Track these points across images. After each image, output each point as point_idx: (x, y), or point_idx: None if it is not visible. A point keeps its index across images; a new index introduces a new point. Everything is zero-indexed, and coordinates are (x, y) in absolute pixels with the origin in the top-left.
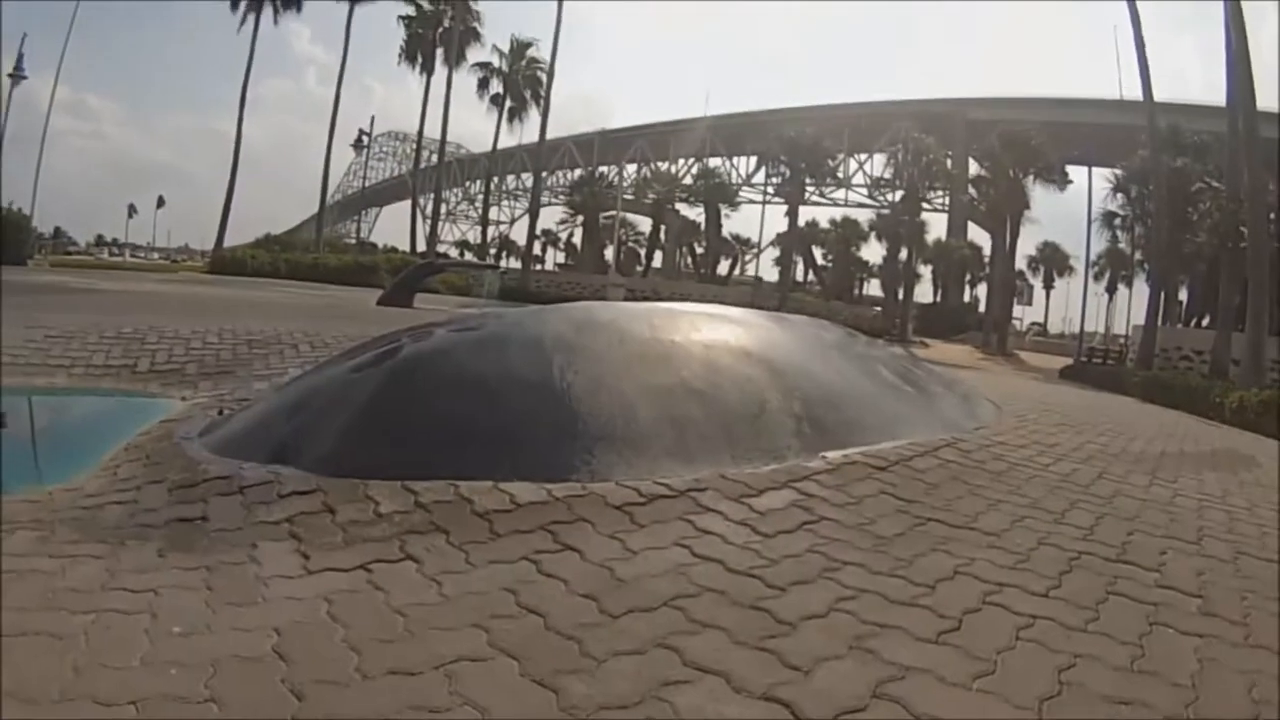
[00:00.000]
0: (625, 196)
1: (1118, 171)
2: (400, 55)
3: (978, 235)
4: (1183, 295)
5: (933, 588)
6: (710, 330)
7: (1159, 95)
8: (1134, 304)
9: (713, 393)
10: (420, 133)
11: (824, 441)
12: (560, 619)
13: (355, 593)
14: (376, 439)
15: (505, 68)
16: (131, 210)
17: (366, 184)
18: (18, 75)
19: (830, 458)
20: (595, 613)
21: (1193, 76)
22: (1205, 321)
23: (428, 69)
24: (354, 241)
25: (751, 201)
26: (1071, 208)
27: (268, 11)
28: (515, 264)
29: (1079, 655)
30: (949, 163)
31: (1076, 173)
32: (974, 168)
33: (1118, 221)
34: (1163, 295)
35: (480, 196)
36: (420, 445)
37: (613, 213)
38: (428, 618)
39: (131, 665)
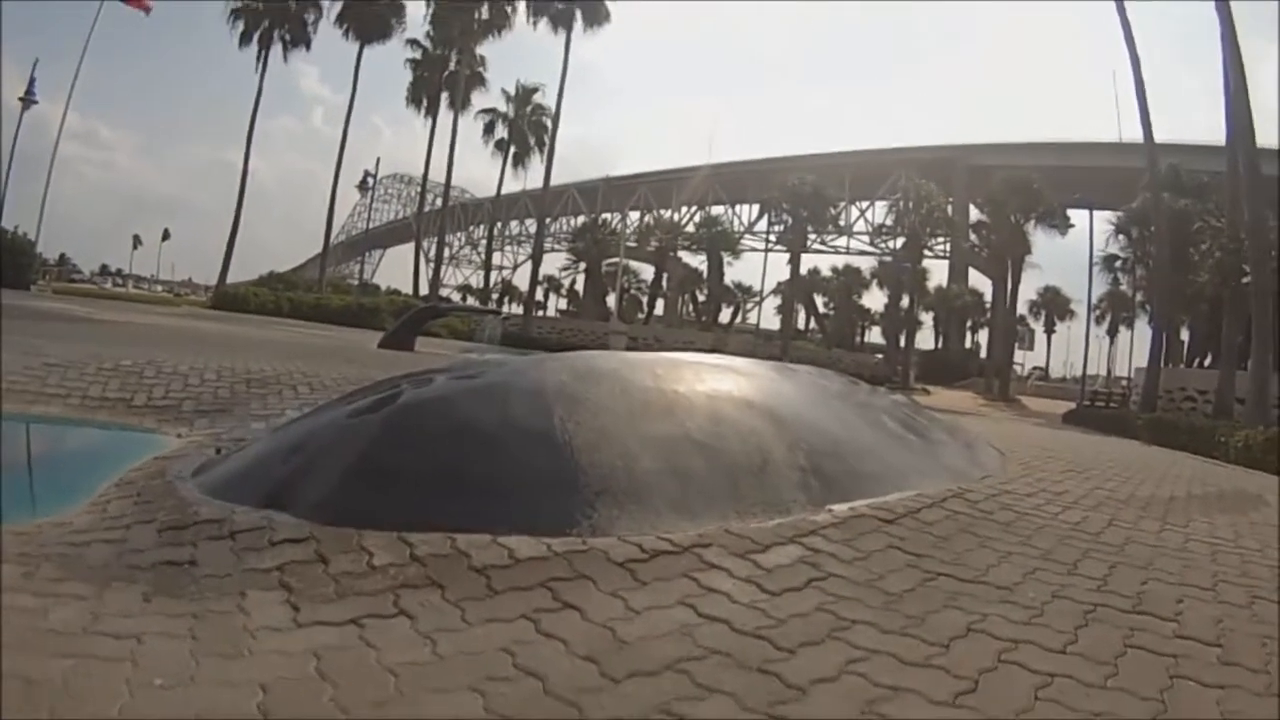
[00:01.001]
0: (628, 244)
1: (1119, 214)
2: (407, 98)
3: (978, 281)
4: (1184, 335)
5: (946, 647)
6: (713, 380)
7: (1161, 136)
8: (1135, 346)
9: (716, 444)
10: (425, 176)
11: (830, 494)
12: (559, 682)
13: (346, 649)
14: (372, 487)
15: (510, 113)
16: (136, 241)
17: (371, 225)
18: (28, 99)
19: (836, 511)
20: (596, 676)
21: (1196, 117)
22: (1207, 361)
23: (433, 112)
24: (357, 283)
25: (754, 249)
26: (1072, 251)
27: (277, 49)
28: (517, 309)
29: (1099, 714)
30: (950, 209)
31: (1077, 216)
32: (975, 214)
33: (1119, 264)
34: (1165, 336)
35: (483, 241)
36: (417, 495)
37: (615, 260)
38: (421, 678)
39: (109, 717)
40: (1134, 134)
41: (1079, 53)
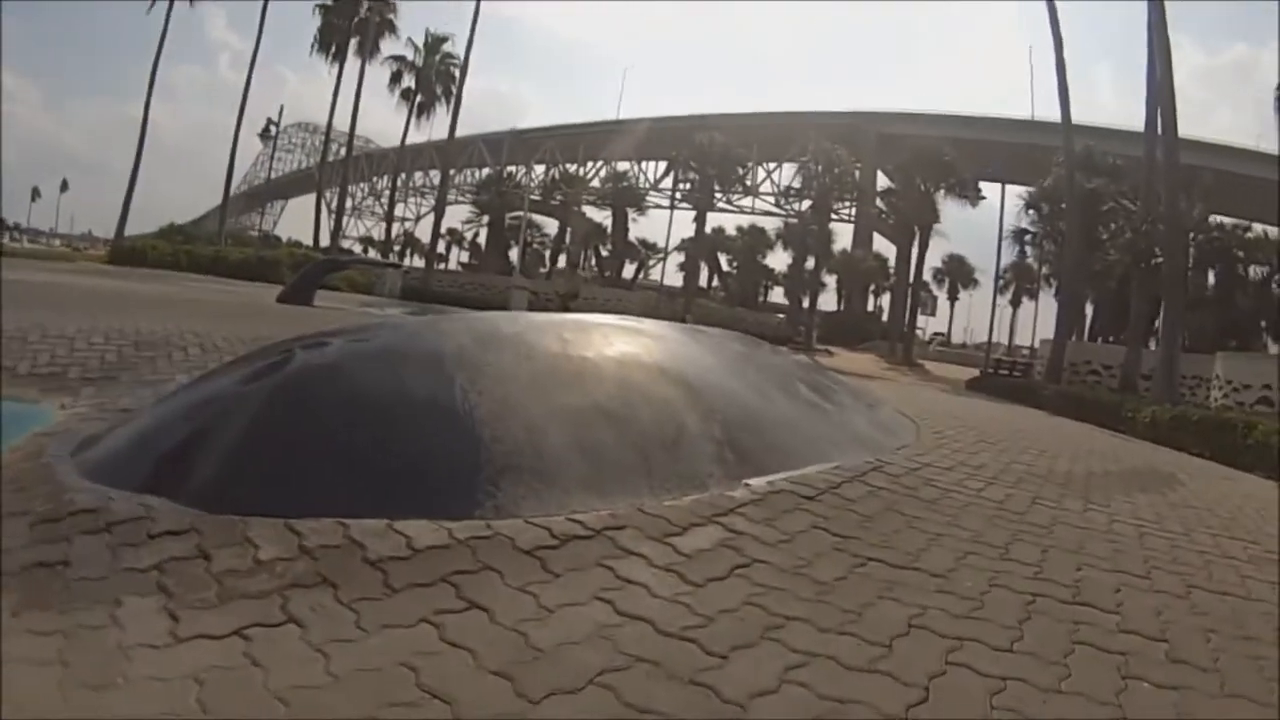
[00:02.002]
0: (532, 198)
1: (1031, 190)
2: (314, 44)
3: (882, 247)
4: (1088, 310)
5: (889, 646)
6: (623, 345)
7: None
8: (1038, 318)
9: (627, 415)
10: (329, 125)
11: (746, 468)
12: (471, 707)
13: (230, 669)
14: (257, 468)
15: (419, 62)
16: (35, 194)
17: (274, 175)
18: None
19: (755, 486)
20: (511, 696)
21: (1104, 100)
22: (1110, 338)
23: (340, 59)
24: (258, 234)
25: (659, 207)
26: (980, 223)
27: None
28: (419, 262)
29: None
30: (858, 174)
31: (989, 190)
32: (883, 180)
33: (1028, 238)
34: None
35: (387, 192)
36: (305, 476)
37: (519, 213)
38: (314, 704)
39: None
40: (1045, 113)
41: (996, 28)
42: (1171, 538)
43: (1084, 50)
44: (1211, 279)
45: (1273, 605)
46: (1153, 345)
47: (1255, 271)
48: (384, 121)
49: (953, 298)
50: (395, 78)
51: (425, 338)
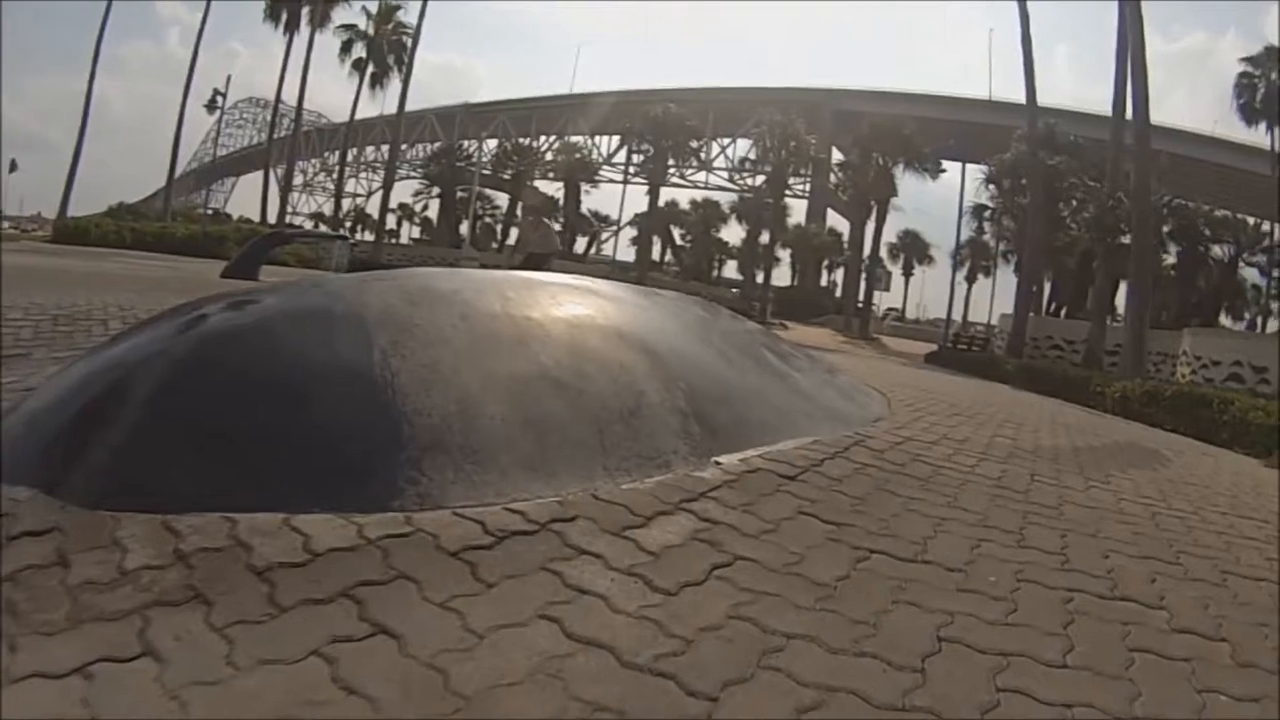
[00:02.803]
0: (483, 171)
1: (991, 165)
2: (265, 12)
3: (836, 222)
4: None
5: (922, 671)
6: (574, 305)
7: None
8: (995, 293)
9: (580, 384)
10: (277, 97)
11: (714, 443)
12: None
13: None
14: (142, 452)
15: (371, 31)
16: None
17: (224, 151)
18: None
19: (726, 464)
20: None
21: (1060, 80)
22: (1064, 313)
23: (291, 28)
24: (207, 212)
25: (612, 181)
26: (936, 200)
27: None
28: (371, 237)
29: None
30: (813, 149)
31: (948, 168)
32: (838, 156)
33: (987, 214)
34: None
35: (338, 168)
36: (195, 462)
37: (471, 187)
38: None
39: None
40: (1004, 93)
41: (955, 8)
42: (1183, 517)
43: (1042, 33)
44: (1174, 258)
45: None
46: (1109, 322)
47: (1221, 251)
48: (337, 97)
49: (907, 273)
50: (346, 47)
51: (344, 296)
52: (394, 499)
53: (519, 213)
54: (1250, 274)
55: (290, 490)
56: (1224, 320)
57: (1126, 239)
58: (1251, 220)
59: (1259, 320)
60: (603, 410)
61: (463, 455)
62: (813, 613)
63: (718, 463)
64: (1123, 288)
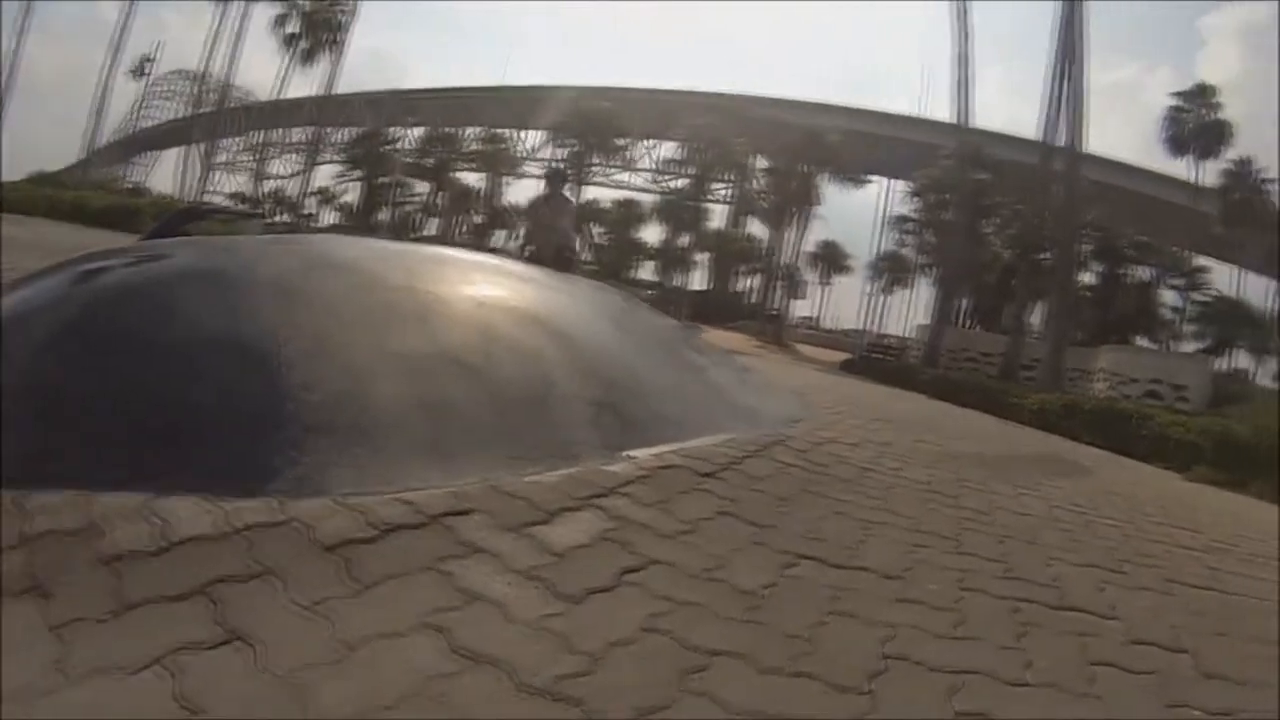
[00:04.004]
0: (405, 160)
1: (917, 179)
2: None
3: (757, 228)
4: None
5: (870, 693)
6: (485, 284)
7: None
8: (912, 306)
9: (485, 367)
10: (204, 68)
11: (627, 436)
12: None
13: None
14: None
15: (306, 4)
16: None
17: (149, 124)
18: None
19: (639, 459)
20: None
21: (990, 101)
22: (980, 327)
23: None
24: (129, 185)
25: (535, 176)
26: (858, 213)
27: None
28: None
29: None
30: (740, 154)
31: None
32: (763, 163)
33: (908, 226)
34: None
35: (264, 147)
36: (55, 431)
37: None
38: None
39: None
40: (935, 112)
41: (887, 25)
42: (1120, 525)
43: (976, 56)
44: (1094, 278)
45: (1255, 600)
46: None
47: (1141, 273)
48: (268, 75)
49: (824, 282)
50: (280, 21)
51: (237, 258)
52: (270, 482)
53: (439, 203)
54: (1169, 296)
55: (158, 468)
56: (1140, 340)
57: (1047, 258)
58: (1172, 247)
59: (1170, 342)
60: (509, 396)
61: (350, 437)
62: (740, 625)
63: (630, 456)
64: (1040, 306)
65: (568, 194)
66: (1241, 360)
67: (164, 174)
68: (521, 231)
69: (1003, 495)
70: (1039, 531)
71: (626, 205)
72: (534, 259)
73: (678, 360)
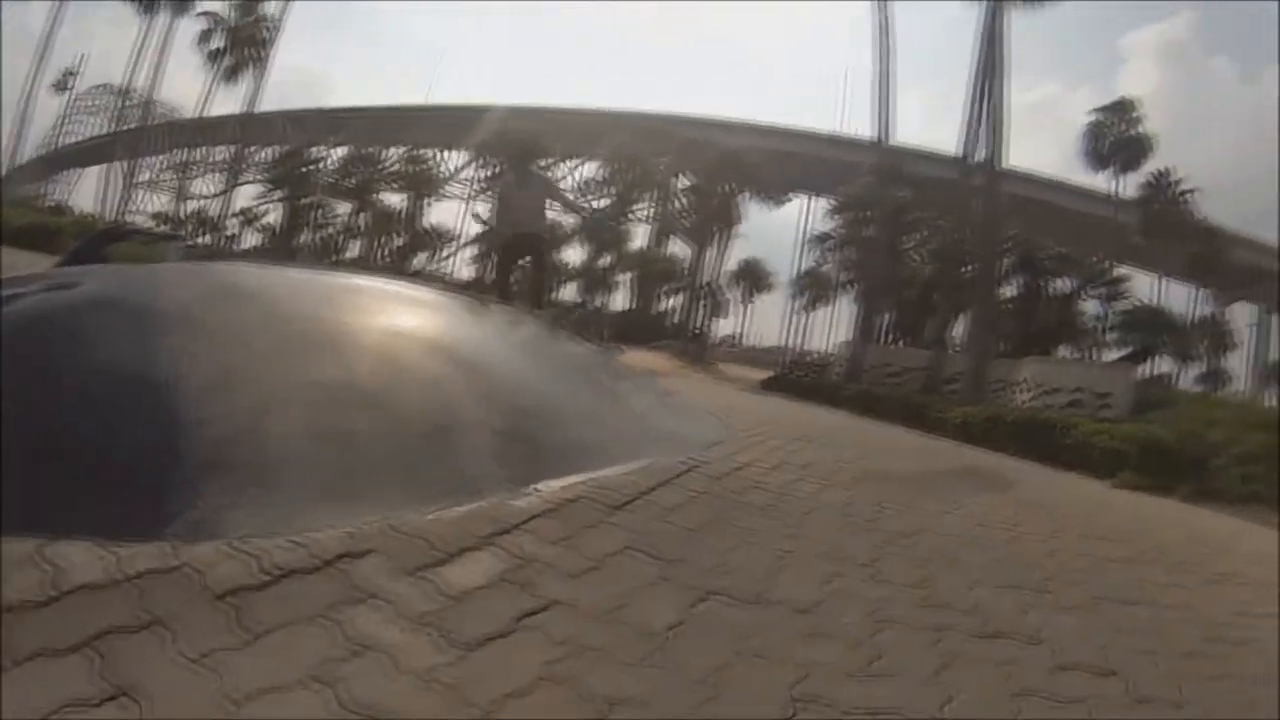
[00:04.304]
0: (327, 180)
1: (837, 197)
2: None
3: (678, 247)
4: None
5: None
6: (392, 313)
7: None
8: (834, 322)
9: (389, 399)
10: (127, 83)
11: (534, 468)
12: None
13: None
14: None
15: (233, 20)
16: None
17: (73, 139)
18: None
19: (546, 492)
20: None
21: (911, 123)
22: (902, 342)
23: (151, 8)
24: (51, 204)
25: (458, 197)
26: (779, 231)
27: None
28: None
29: None
30: (662, 175)
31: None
32: (685, 182)
33: (829, 243)
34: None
35: (188, 166)
36: None
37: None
38: None
39: None
40: (854, 130)
41: (809, 44)
42: (1044, 541)
43: (894, 75)
44: (1015, 291)
45: (1183, 611)
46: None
47: (1062, 285)
48: (193, 91)
49: (747, 301)
50: (205, 36)
51: (138, 287)
52: (167, 524)
53: (361, 225)
54: (1091, 306)
55: (53, 509)
56: (1062, 351)
57: (968, 272)
58: (1093, 258)
59: (1092, 351)
60: (412, 429)
61: (248, 476)
62: (642, 670)
63: (536, 490)
64: (962, 319)
65: (539, 171)
66: (1165, 366)
67: (87, 192)
68: (484, 217)
69: (924, 515)
70: (961, 553)
71: (548, 226)
72: (503, 250)
73: (593, 386)
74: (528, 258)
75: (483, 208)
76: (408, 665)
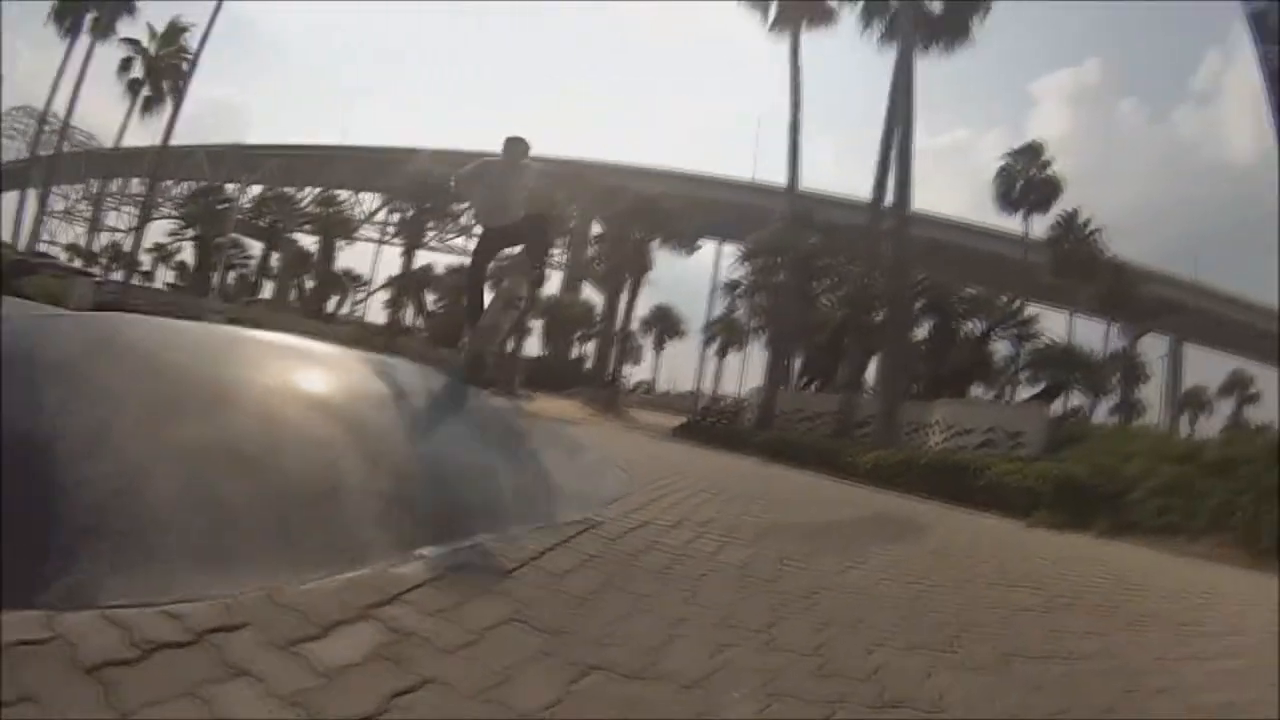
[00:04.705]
0: (239, 217)
1: (748, 243)
2: (49, 14)
3: (589, 294)
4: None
5: None
6: (280, 368)
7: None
8: (746, 367)
9: (270, 461)
10: (46, 107)
11: (423, 532)
12: None
13: None
14: None
15: (153, 50)
16: None
17: None
18: None
19: (432, 558)
20: None
21: (825, 169)
22: (814, 387)
23: (73, 34)
24: None
25: (370, 239)
26: (691, 278)
27: None
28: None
29: None
30: (573, 221)
31: (706, 246)
32: (597, 229)
33: (740, 289)
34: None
35: (104, 197)
36: None
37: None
38: None
39: None
40: (766, 177)
41: (721, 92)
42: (952, 593)
43: (811, 122)
44: (926, 333)
45: (1101, 661)
46: (860, 395)
47: (973, 326)
48: (112, 120)
49: (659, 347)
50: (126, 65)
51: (22, 339)
52: (40, 592)
53: (273, 265)
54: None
55: None
56: (975, 391)
57: (879, 315)
58: (1004, 298)
59: (1007, 390)
60: (294, 492)
61: (124, 540)
62: None
63: (422, 555)
64: (874, 363)
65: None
66: (1078, 401)
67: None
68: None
69: (827, 573)
70: (863, 612)
71: (460, 271)
72: (486, 240)
73: (492, 443)
74: (516, 248)
75: (467, 190)
76: None
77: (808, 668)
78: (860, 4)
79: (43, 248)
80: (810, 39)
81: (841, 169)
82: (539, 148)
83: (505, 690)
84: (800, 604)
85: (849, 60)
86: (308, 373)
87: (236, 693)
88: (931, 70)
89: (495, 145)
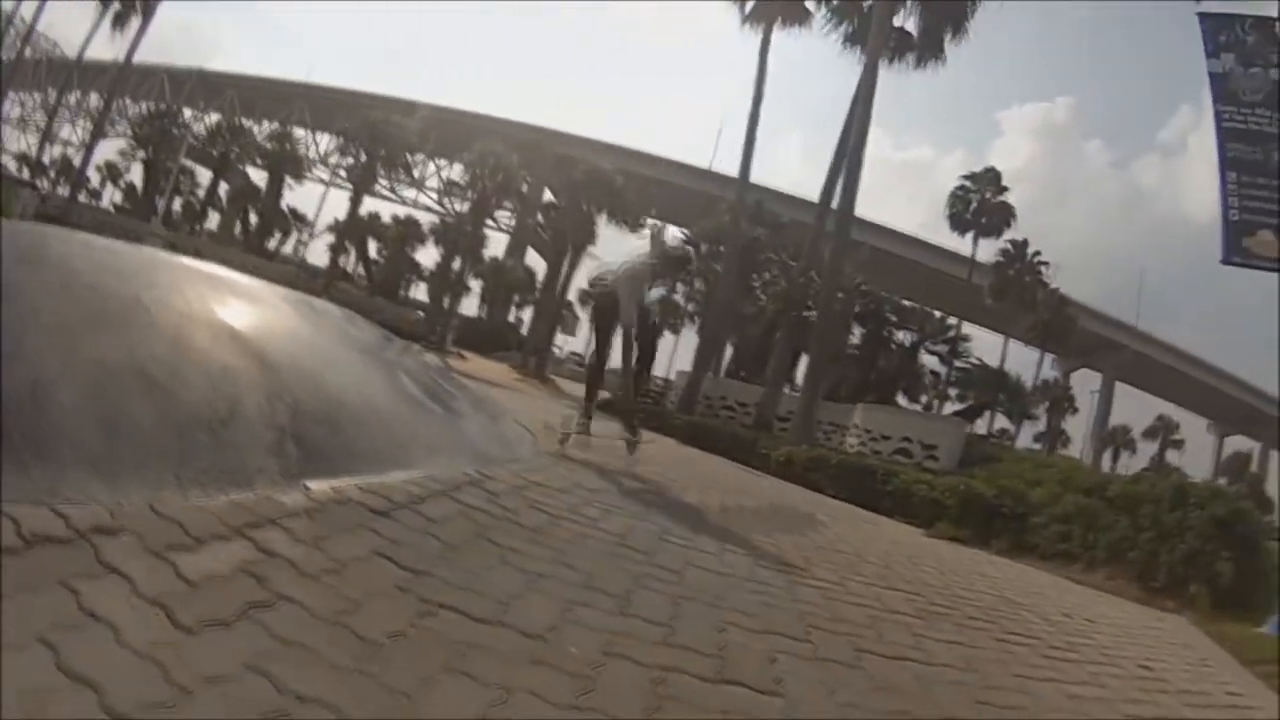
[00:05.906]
0: (191, 142)
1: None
2: None
3: (533, 261)
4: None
5: None
6: (196, 296)
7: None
8: (677, 351)
9: (171, 383)
10: (15, 10)
11: (311, 466)
12: None
13: None
14: None
15: None
16: None
17: None
18: None
19: (314, 491)
20: None
21: (788, 167)
22: (742, 376)
23: None
24: None
25: (319, 181)
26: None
27: None
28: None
29: None
30: (525, 187)
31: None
32: (548, 197)
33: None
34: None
35: (62, 108)
36: None
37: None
38: None
39: None
40: (723, 166)
41: (688, 79)
42: (825, 587)
43: (778, 119)
44: (858, 338)
45: (959, 671)
46: (786, 391)
47: (904, 336)
48: (81, 30)
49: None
50: None
51: None
52: None
53: (220, 196)
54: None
55: None
56: (901, 400)
57: (812, 315)
58: (937, 313)
59: (935, 403)
60: (191, 415)
61: (25, 445)
62: (345, 674)
63: (306, 487)
64: (803, 360)
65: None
66: (1003, 423)
67: None
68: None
69: (704, 553)
70: (728, 594)
71: (406, 223)
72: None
73: (400, 393)
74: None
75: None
76: (128, 640)
77: (653, 636)
78: (831, 3)
79: None
80: (790, 37)
81: (805, 168)
82: (499, 109)
83: (354, 617)
84: (667, 577)
85: (827, 61)
86: (227, 304)
87: (105, 588)
88: (903, 85)
89: (459, 100)
